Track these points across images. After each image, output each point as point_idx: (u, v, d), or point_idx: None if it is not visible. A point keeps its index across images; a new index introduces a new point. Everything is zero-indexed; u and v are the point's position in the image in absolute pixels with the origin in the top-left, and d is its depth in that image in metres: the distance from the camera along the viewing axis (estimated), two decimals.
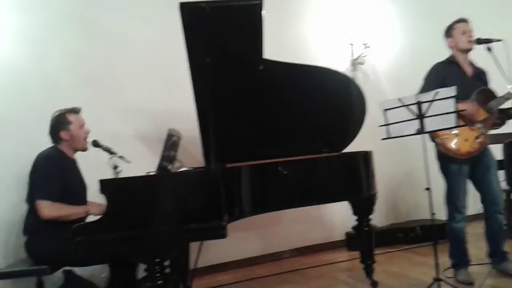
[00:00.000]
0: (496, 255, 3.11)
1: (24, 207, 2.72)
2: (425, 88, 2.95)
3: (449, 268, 3.15)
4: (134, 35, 3.65)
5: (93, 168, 2.72)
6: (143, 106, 3.64)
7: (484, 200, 3.08)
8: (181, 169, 2.79)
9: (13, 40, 3.25)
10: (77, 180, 2.84)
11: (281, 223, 4.17)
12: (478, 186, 3.08)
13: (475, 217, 3.14)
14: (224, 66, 2.58)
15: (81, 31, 3.48)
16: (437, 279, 2.66)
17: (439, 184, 3.04)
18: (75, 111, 2.81)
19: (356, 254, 3.36)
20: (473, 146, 2.95)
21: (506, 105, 3.03)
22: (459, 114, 2.70)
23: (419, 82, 3.10)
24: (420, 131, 2.62)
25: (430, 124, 2.61)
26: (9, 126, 3.16)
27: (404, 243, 4.20)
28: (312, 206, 3.50)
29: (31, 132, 3.09)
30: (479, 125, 2.98)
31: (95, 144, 2.78)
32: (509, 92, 2.93)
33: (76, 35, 3.46)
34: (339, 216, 4.26)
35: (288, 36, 4.25)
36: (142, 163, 2.88)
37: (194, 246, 3.09)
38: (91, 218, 2.47)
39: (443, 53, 3.16)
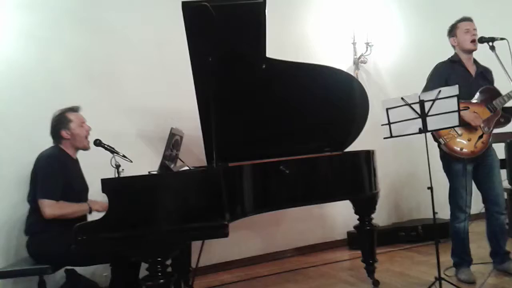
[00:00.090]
0: (498, 255, 3.11)
1: (25, 207, 2.72)
2: (428, 89, 2.93)
3: (451, 267, 3.15)
4: (138, 34, 3.64)
5: (95, 167, 2.72)
6: (146, 105, 3.64)
7: (485, 201, 3.07)
8: (183, 168, 2.79)
9: (16, 39, 3.24)
10: (78, 180, 2.84)
11: (283, 222, 4.16)
12: (480, 186, 3.08)
13: (476, 216, 3.14)
14: (226, 65, 2.58)
15: (85, 30, 3.47)
16: (439, 278, 2.66)
17: (441, 184, 3.04)
18: (74, 109, 2.81)
19: (358, 253, 3.36)
20: (476, 145, 2.94)
21: (510, 103, 3.02)
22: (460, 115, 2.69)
23: (422, 81, 3.09)
24: (423, 130, 2.61)
25: (433, 123, 2.60)
26: (11, 125, 3.16)
27: (406, 242, 4.20)
28: (314, 205, 3.50)
29: (33, 131, 3.09)
30: (482, 124, 2.97)
31: (97, 143, 2.78)
32: (510, 92, 2.92)
33: (80, 34, 3.45)
34: (340, 215, 4.25)
35: (290, 35, 4.25)
36: (144, 162, 2.89)
37: (195, 245, 3.09)
38: (95, 216, 2.47)
39: (446, 52, 3.16)
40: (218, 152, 2.33)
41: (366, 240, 3.16)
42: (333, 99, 3.02)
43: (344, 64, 4.45)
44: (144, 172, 2.46)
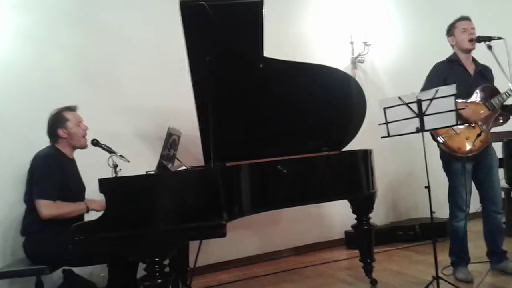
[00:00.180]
0: (495, 255, 3.12)
1: (22, 207, 2.71)
2: (426, 89, 2.93)
3: (448, 266, 3.15)
4: (135, 33, 3.63)
5: (92, 167, 2.71)
6: (143, 105, 3.63)
7: (483, 200, 3.08)
8: (181, 168, 2.79)
9: (12, 38, 3.23)
10: (75, 179, 2.83)
11: (280, 222, 4.16)
12: (479, 185, 3.09)
13: (473, 216, 3.15)
14: (224, 64, 2.58)
15: (82, 29, 3.46)
16: (436, 277, 2.66)
17: (439, 183, 3.04)
18: (71, 109, 2.80)
19: (355, 252, 3.36)
20: (474, 144, 2.94)
21: (508, 102, 3.02)
22: (459, 114, 2.69)
23: (419, 80, 3.10)
24: (420, 130, 2.61)
25: (430, 123, 2.60)
26: (7, 124, 3.15)
27: (404, 241, 4.21)
28: (312, 205, 3.50)
29: (30, 131, 3.08)
30: (480, 123, 2.97)
31: (95, 143, 2.77)
32: (509, 89, 2.92)
33: (76, 34, 3.44)
34: (338, 214, 4.26)
35: (288, 34, 4.24)
36: (141, 162, 2.87)
37: (193, 245, 3.09)
38: (92, 215, 2.46)
39: (443, 51, 3.16)
40: (215, 152, 2.32)
41: (364, 239, 3.15)
42: (331, 98, 3.02)
43: (341, 63, 4.45)
44: (142, 172, 2.45)
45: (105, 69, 3.52)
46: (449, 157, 3.01)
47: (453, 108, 2.54)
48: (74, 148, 2.82)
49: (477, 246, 3.26)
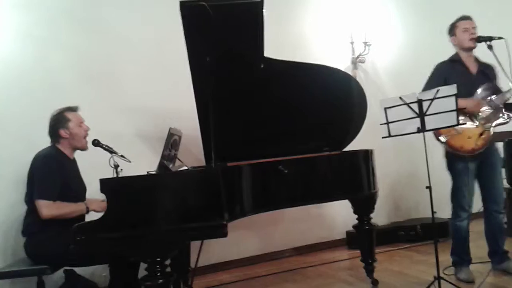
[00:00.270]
0: (496, 255, 3.11)
1: (23, 207, 2.71)
2: (427, 89, 2.93)
3: (450, 266, 3.15)
4: (136, 33, 3.63)
5: (93, 168, 2.71)
6: (144, 105, 3.63)
7: (485, 199, 3.08)
8: (182, 168, 2.79)
9: (13, 38, 3.23)
10: (76, 180, 2.83)
11: (281, 222, 4.16)
12: (482, 185, 3.09)
13: (475, 215, 3.15)
14: (224, 64, 2.58)
15: (82, 29, 3.46)
16: (438, 278, 2.66)
17: (440, 183, 3.03)
18: (73, 109, 2.80)
19: (357, 252, 3.36)
20: (477, 143, 2.94)
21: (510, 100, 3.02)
22: (460, 110, 2.69)
23: (420, 80, 3.09)
24: (421, 130, 2.61)
25: (431, 123, 2.60)
26: (8, 124, 3.15)
27: (405, 241, 4.20)
28: (313, 205, 3.50)
29: (31, 131, 3.08)
30: (482, 121, 2.97)
31: (96, 143, 2.77)
32: (511, 89, 2.92)
33: (77, 33, 3.44)
34: (339, 215, 4.25)
35: (288, 34, 4.24)
36: (142, 162, 2.87)
37: (194, 245, 3.09)
38: (93, 215, 2.46)
39: (444, 51, 3.16)
40: (216, 152, 2.32)
41: (365, 239, 3.15)
42: (332, 98, 3.02)
43: (342, 63, 4.43)
44: (143, 172, 2.45)
45: (105, 69, 3.52)
46: (453, 157, 3.01)
47: (454, 108, 2.54)
48: (75, 149, 2.81)
49: (478, 246, 3.26)
